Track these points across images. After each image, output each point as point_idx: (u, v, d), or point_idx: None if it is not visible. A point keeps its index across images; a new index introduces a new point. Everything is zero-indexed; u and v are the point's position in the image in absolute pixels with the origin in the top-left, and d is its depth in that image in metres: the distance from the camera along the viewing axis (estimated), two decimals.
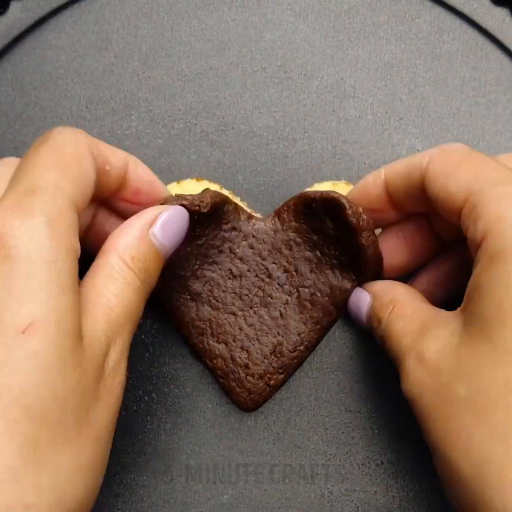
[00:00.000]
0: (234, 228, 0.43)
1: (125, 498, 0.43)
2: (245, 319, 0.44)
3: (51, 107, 0.45)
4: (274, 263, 0.44)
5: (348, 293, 0.43)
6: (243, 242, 0.43)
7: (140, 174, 0.39)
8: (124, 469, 0.44)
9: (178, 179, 0.45)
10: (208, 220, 0.41)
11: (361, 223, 0.40)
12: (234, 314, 0.44)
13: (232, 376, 0.44)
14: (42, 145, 0.34)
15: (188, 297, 0.43)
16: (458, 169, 0.35)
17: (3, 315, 0.30)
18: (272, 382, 0.44)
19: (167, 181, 0.44)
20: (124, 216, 0.40)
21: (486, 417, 0.30)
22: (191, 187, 0.44)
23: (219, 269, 0.43)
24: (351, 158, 0.45)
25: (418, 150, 0.45)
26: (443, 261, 0.42)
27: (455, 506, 0.33)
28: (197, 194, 0.40)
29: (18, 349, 0.29)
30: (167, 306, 0.43)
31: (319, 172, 0.45)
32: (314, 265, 0.43)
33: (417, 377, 0.34)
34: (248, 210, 0.44)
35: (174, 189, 0.44)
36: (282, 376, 0.44)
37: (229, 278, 0.43)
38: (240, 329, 0.44)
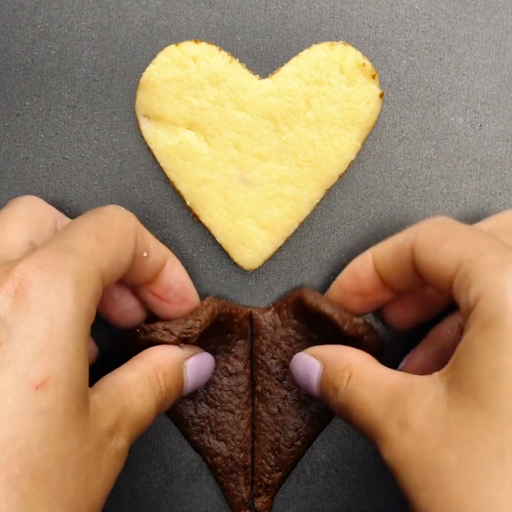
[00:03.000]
0: (229, 331, 0.43)
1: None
2: (242, 418, 0.44)
3: None
4: (273, 358, 0.44)
5: None
6: (239, 341, 0.44)
7: (176, 273, 0.41)
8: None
9: (176, 41, 0.45)
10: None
11: (335, 314, 0.41)
12: (232, 412, 0.44)
13: (231, 476, 0.44)
14: (92, 215, 0.36)
15: (185, 395, 0.43)
16: (446, 241, 0.35)
17: (19, 366, 0.30)
18: (270, 481, 0.44)
19: (165, 43, 0.45)
20: (146, 306, 0.42)
21: (478, 488, 0.29)
22: (190, 49, 0.44)
23: (214, 367, 0.43)
24: (350, 18, 0.45)
25: (417, 10, 0.45)
26: (438, 335, 0.42)
27: None
28: (201, 312, 0.41)
29: (29, 404, 0.29)
30: None
31: (317, 32, 0.45)
32: None
33: (402, 445, 0.32)
34: (247, 72, 0.44)
35: (173, 51, 0.44)
36: (279, 473, 0.44)
37: (225, 376, 0.44)
38: (238, 428, 0.44)
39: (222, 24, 0.45)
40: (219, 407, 0.44)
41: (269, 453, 0.44)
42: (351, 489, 0.46)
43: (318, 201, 0.45)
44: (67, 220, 0.41)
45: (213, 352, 0.43)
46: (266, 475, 0.44)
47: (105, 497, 0.33)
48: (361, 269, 0.41)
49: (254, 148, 0.44)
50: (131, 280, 0.39)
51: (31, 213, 0.39)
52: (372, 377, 0.36)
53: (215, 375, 0.44)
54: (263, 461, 0.44)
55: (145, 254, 0.38)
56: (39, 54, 0.45)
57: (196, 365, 0.40)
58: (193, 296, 0.42)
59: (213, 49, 0.45)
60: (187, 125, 0.44)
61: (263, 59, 0.45)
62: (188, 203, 0.45)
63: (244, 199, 0.45)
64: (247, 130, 0.44)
